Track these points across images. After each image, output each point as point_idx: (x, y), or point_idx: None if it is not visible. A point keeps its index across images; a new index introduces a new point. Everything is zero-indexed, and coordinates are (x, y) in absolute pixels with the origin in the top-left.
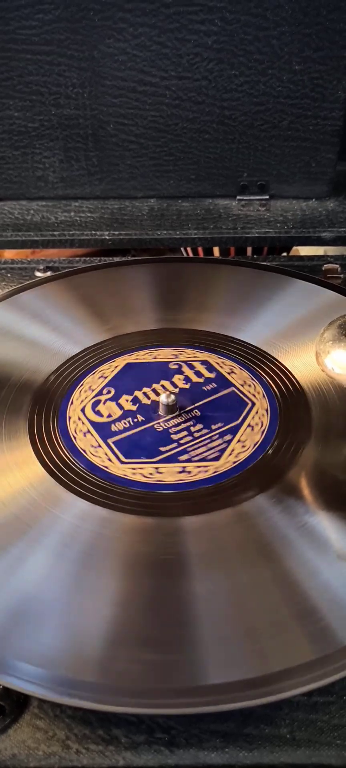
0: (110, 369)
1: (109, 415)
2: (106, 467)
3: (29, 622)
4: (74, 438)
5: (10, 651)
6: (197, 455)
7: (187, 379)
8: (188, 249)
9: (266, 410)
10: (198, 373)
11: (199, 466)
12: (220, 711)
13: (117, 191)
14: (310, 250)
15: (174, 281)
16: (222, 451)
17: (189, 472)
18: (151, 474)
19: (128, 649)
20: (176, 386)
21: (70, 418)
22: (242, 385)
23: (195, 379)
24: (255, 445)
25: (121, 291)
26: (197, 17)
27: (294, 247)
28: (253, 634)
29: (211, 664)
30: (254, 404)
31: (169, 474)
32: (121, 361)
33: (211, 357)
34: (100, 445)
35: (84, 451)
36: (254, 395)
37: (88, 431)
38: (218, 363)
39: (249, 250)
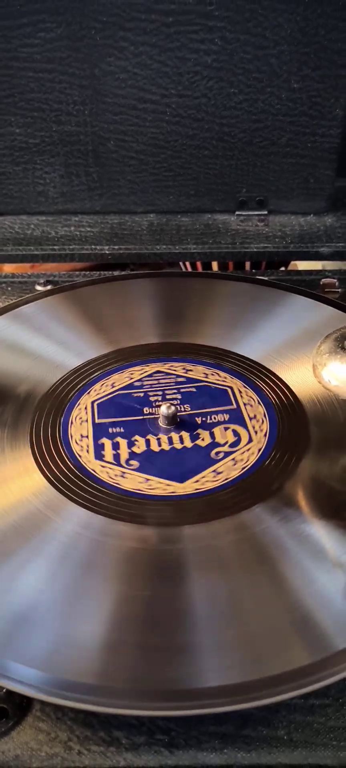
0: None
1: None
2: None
3: (31, 627)
4: (79, 456)
5: (12, 655)
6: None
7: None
8: (187, 263)
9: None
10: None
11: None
12: (218, 713)
13: (117, 206)
14: (308, 265)
15: (174, 295)
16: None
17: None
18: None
19: (129, 653)
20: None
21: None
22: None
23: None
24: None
25: (122, 305)
26: (197, 36)
27: (292, 262)
28: (250, 639)
29: (209, 667)
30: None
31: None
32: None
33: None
34: (87, 436)
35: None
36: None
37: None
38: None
39: (247, 264)
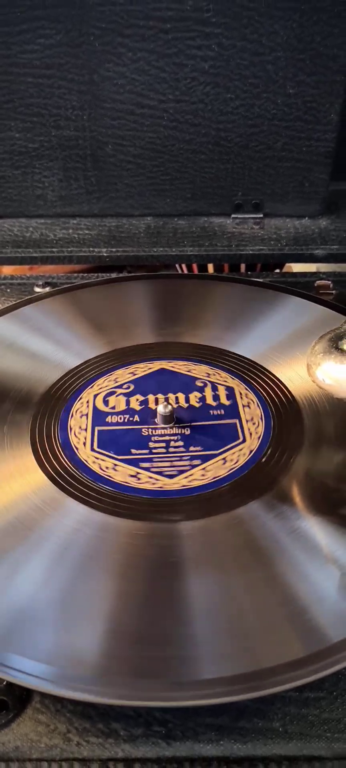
0: (143, 369)
1: (113, 407)
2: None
3: (32, 620)
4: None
5: (13, 648)
6: (157, 467)
7: (201, 400)
8: (183, 265)
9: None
10: (216, 397)
11: (152, 477)
12: (214, 704)
13: (114, 209)
14: (303, 267)
15: (171, 297)
16: (182, 471)
17: (139, 479)
18: (106, 468)
19: (126, 646)
20: (188, 402)
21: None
22: (247, 422)
23: (210, 401)
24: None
25: (121, 306)
26: (194, 43)
27: (287, 264)
28: (246, 632)
29: (205, 660)
30: (244, 440)
31: (121, 475)
32: (156, 365)
33: (239, 386)
34: (86, 429)
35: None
36: (250, 432)
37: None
38: (241, 393)
39: (243, 266)
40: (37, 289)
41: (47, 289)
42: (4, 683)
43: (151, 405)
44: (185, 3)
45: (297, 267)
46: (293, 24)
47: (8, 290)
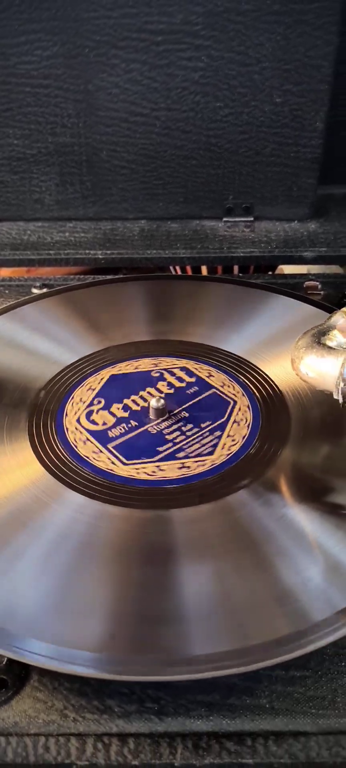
0: (96, 381)
1: (104, 423)
2: (111, 470)
3: (31, 601)
4: (75, 446)
5: (14, 627)
6: (192, 451)
7: (170, 385)
8: (177, 267)
9: (248, 407)
10: (180, 379)
11: (197, 461)
12: (204, 678)
13: (109, 213)
14: (294, 269)
15: (165, 297)
16: (215, 445)
17: (188, 467)
18: (153, 472)
19: (121, 625)
20: (161, 392)
21: (67, 429)
22: (222, 386)
23: (178, 384)
24: (244, 438)
25: (115, 306)
26: (185, 54)
27: (279, 267)
28: (234, 612)
29: (196, 638)
30: (235, 402)
31: (170, 470)
32: (105, 374)
33: (189, 363)
34: (101, 451)
35: (87, 457)
36: (235, 395)
37: (88, 439)
38: (196, 368)
39: (235, 268)
40: (34, 290)
41: (44, 290)
42: (4, 662)
43: (134, 407)
44: (176, 16)
45: (288, 269)
46: (278, 36)
47: (6, 291)
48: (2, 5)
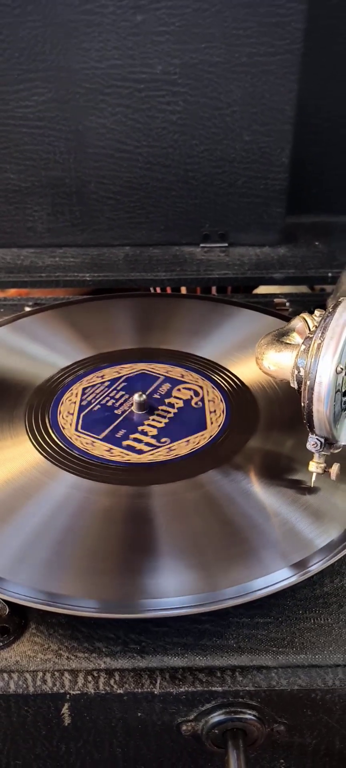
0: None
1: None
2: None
3: (31, 557)
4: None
5: (18, 578)
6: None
7: (155, 389)
8: (158, 289)
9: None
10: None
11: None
12: (178, 616)
13: (97, 240)
14: (268, 289)
15: (146, 312)
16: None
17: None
18: (87, 443)
19: (107, 576)
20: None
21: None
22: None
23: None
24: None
25: (103, 319)
26: (164, 99)
27: (255, 289)
28: (204, 565)
29: (171, 585)
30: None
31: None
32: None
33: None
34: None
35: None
36: (208, 391)
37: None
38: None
39: (214, 290)
40: (27, 309)
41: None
42: (7, 612)
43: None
44: (156, 67)
45: (263, 290)
46: (246, 84)
47: (1, 310)
48: (3, 57)
